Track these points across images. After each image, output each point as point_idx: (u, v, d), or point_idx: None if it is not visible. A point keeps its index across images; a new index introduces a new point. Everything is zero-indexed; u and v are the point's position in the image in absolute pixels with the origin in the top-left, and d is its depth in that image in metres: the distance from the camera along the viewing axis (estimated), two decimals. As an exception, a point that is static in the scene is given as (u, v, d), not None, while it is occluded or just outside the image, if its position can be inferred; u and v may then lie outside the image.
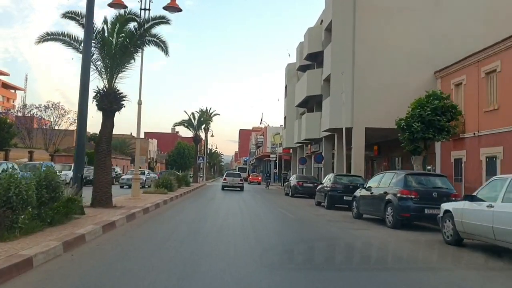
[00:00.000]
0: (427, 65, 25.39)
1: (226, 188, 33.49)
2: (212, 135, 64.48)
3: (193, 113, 46.79)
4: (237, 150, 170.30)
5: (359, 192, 14.78)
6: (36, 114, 48.41)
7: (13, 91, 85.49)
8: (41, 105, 49.85)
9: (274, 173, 65.36)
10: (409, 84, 25.31)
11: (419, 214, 11.73)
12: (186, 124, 46.26)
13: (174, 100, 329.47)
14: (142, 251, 7.52)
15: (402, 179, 12.32)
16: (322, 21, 33.75)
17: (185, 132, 47.52)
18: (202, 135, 62.46)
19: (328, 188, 18.48)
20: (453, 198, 11.52)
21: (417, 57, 25.64)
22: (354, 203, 14.75)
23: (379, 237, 10.39)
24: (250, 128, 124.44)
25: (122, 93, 12.72)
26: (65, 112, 49.58)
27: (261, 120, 73.64)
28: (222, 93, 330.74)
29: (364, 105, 25.57)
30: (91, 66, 11.59)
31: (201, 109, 47.82)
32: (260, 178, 58.87)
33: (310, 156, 39.03)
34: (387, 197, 12.29)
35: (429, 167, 23.69)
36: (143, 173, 32.80)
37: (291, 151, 48.13)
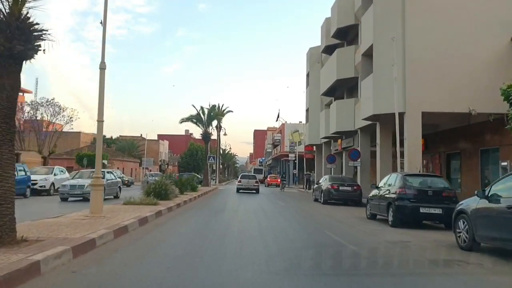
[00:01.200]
0: (501, 30, 18.95)
1: (241, 191, 31.73)
2: (225, 134, 58.27)
3: (202, 108, 40.83)
4: (252, 151, 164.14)
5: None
6: (28, 112, 42.76)
7: (20, 93, 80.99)
8: (33, 101, 44.21)
9: (293, 174, 58.99)
10: (478, 54, 18.97)
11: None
12: (194, 120, 40.26)
13: (186, 102, 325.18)
14: None
15: None
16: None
17: (199, 133, 42.77)
18: (214, 133, 56.86)
19: (395, 196, 12.04)
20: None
21: (488, 20, 19.20)
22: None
23: None
24: (265, 128, 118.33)
25: (37, 24, 6.67)
26: (60, 109, 43.82)
27: (278, 117, 67.18)
28: (236, 94, 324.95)
29: (420, 83, 19.07)
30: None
31: (212, 104, 41.72)
32: (279, 180, 52.45)
33: (340, 153, 32.72)
34: None
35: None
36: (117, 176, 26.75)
37: (314, 149, 41.75)
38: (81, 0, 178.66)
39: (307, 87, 40.50)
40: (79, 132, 74.43)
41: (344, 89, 30.40)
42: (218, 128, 60.65)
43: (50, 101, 46.03)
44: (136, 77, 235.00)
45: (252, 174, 42.58)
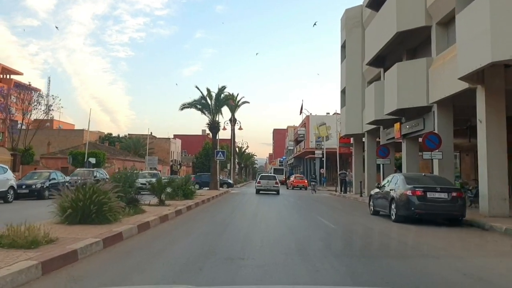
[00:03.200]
0: None
1: (261, 192, 29.47)
2: (240, 128, 49.50)
3: (208, 91, 31.90)
4: (271, 151, 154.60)
5: None
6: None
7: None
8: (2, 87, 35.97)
9: (320, 174, 49.74)
10: None
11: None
12: (199, 106, 31.39)
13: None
14: None
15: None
16: None
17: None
18: (228, 128, 48.27)
19: None
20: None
21: None
22: None
23: None
24: (285, 127, 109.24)
25: None
26: (39, 96, 35.33)
27: (301, 108, 57.89)
28: (256, 95, 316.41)
29: None
30: None
31: (221, 86, 32.69)
32: (306, 181, 43.28)
33: (396, 144, 23.49)
34: None
35: None
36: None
37: (352, 141, 32.44)
38: (100, 5, 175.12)
39: (342, 61, 31.19)
40: (82, 130, 66.53)
41: (402, 51, 21.10)
42: (232, 121, 52.05)
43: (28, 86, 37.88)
44: (155, 79, 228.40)
45: (273, 174, 38.32)
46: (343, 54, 30.39)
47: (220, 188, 32.72)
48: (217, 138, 31.94)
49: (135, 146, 68.60)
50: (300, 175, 47.58)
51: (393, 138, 22.41)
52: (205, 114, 31.79)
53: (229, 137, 54.35)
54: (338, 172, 33.40)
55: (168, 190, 16.01)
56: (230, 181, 42.18)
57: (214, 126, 31.38)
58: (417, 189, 12.21)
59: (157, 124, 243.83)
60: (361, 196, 25.78)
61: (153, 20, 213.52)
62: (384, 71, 22.91)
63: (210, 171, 48.71)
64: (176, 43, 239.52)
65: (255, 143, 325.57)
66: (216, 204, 19.64)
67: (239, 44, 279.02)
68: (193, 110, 31.20)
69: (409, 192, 12.28)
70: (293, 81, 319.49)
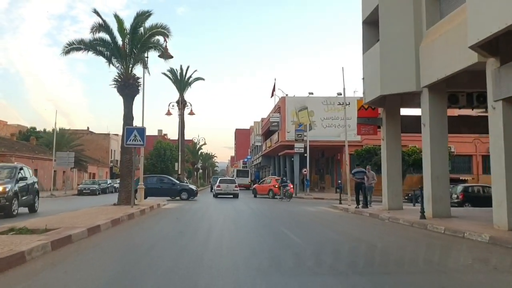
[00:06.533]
0: None
1: (220, 196, 27.73)
2: (191, 112, 35.39)
3: (117, 17, 17.09)
4: (233, 154, 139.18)
5: None
6: None
7: None
8: None
9: (302, 175, 35.69)
10: None
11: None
12: (99, 48, 16.56)
13: (162, 100, 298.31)
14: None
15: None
16: None
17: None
18: (172, 108, 34.01)
19: None
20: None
21: None
22: None
23: None
24: (249, 128, 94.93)
25: None
26: None
27: (273, 89, 43.72)
28: (214, 98, 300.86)
29: None
30: None
31: (142, 11, 17.82)
32: (291, 186, 28.49)
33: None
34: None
35: None
36: None
37: (380, 113, 17.96)
38: (58, 4, 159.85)
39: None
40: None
41: None
42: (181, 103, 37.28)
43: None
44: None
45: (232, 178, 35.13)
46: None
47: (146, 201, 17.84)
48: (132, 105, 16.76)
49: (58, 141, 52.03)
50: (284, 179, 32.28)
51: None
52: (112, 63, 16.96)
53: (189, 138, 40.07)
54: (352, 171, 19.01)
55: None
56: (193, 187, 27.14)
57: (128, 84, 16.47)
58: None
59: (116, 127, 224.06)
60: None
61: (112, 21, 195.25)
62: None
63: (162, 174, 33.29)
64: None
65: (216, 146, 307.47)
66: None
67: (202, 46, 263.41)
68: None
69: None
70: (259, 74, 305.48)
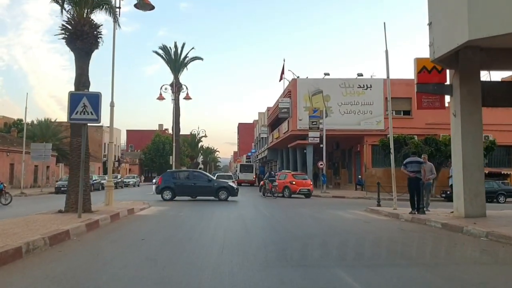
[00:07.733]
0: None
1: None
2: (187, 97, 30.29)
3: None
4: (236, 150, 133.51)
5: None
6: None
7: None
8: None
9: (318, 169, 30.34)
10: None
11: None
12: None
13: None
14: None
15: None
16: None
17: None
18: (165, 91, 29.15)
19: None
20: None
21: None
22: None
23: None
24: (252, 122, 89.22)
25: None
26: None
27: (283, 71, 38.35)
28: (217, 91, 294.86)
29: None
30: None
31: None
32: (310, 182, 23.27)
33: None
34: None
35: None
36: None
37: (448, 75, 12.57)
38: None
39: None
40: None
41: None
42: (175, 86, 31.95)
43: None
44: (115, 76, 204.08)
45: (229, 174, 35.82)
46: None
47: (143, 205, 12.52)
48: (87, 64, 11.39)
49: (43, 133, 46.88)
50: (301, 174, 26.34)
51: None
52: (64, 9, 11.63)
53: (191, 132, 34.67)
54: (404, 162, 13.47)
55: None
56: (233, 185, 20.95)
57: (81, 32, 11.07)
58: None
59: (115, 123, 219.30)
60: None
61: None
62: None
63: (160, 170, 27.35)
64: (140, 40, 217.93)
65: (219, 143, 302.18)
66: None
67: (202, 42, 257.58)
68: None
69: None
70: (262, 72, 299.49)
